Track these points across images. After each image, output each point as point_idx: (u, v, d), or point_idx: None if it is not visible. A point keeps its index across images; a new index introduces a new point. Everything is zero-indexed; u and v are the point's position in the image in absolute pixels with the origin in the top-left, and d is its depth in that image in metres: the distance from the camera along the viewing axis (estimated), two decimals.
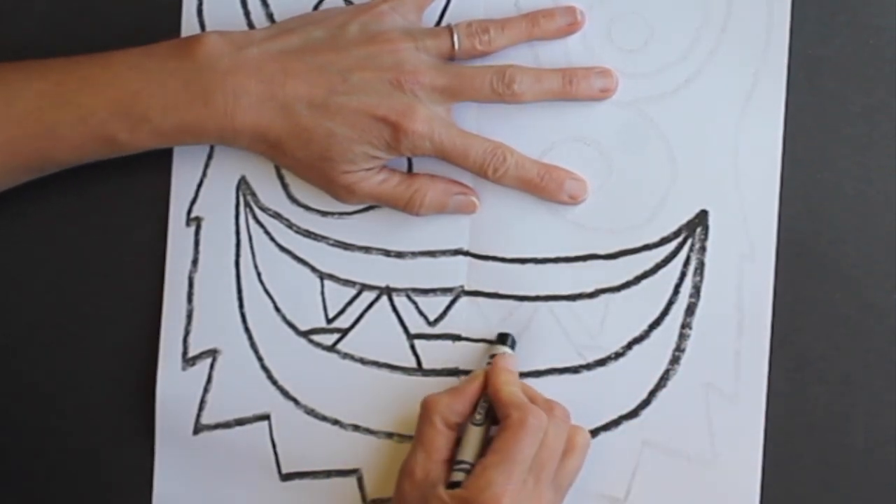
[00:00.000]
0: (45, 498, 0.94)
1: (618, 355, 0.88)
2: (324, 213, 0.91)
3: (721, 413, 0.87)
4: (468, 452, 0.85)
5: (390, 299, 0.90)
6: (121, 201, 0.92)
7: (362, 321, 0.90)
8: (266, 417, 0.91)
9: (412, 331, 0.90)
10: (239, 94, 0.85)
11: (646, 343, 0.88)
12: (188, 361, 0.92)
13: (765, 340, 0.87)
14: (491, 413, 0.86)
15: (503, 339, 0.88)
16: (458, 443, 0.85)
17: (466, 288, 0.90)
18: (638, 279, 0.88)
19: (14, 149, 0.86)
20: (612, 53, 0.88)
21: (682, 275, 0.88)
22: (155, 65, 0.86)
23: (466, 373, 0.89)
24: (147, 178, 0.92)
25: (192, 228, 0.92)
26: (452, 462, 0.85)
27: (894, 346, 0.87)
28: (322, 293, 0.91)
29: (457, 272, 0.90)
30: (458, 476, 0.83)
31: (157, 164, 0.91)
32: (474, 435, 0.85)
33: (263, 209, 0.91)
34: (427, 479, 0.83)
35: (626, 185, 0.88)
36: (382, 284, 0.90)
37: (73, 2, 0.93)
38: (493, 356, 0.88)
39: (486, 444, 0.85)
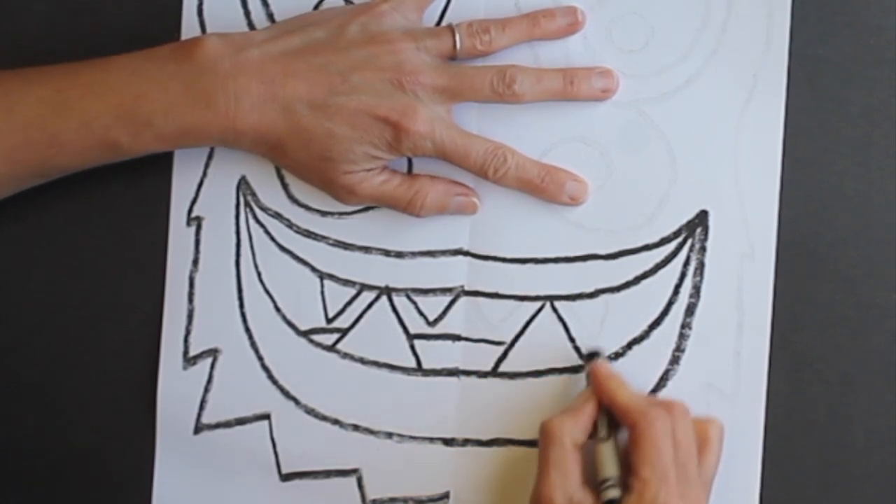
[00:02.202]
0: (45, 497, 0.94)
1: (618, 355, 0.88)
2: (324, 213, 0.91)
3: (721, 413, 0.87)
4: (610, 468, 0.83)
5: (390, 299, 0.90)
6: (121, 201, 0.93)
7: (362, 321, 0.91)
8: (266, 417, 0.91)
9: (412, 331, 0.90)
10: (240, 95, 0.85)
11: (646, 343, 0.88)
12: (189, 361, 0.92)
13: (765, 340, 0.87)
14: (612, 426, 0.85)
15: (593, 355, 0.87)
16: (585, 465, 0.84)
17: (466, 288, 0.90)
18: (638, 279, 0.88)
19: (17, 157, 0.86)
20: (612, 54, 0.88)
21: (682, 275, 0.88)
22: (156, 68, 0.86)
23: (466, 373, 0.90)
24: (148, 179, 0.92)
25: (193, 228, 0.92)
26: (595, 483, 0.83)
27: (894, 346, 0.88)
28: (322, 293, 0.91)
29: (457, 272, 0.90)
30: (613, 493, 0.82)
31: (158, 164, 0.91)
32: (608, 450, 0.84)
33: (263, 209, 0.91)
34: (574, 503, 0.82)
35: (626, 186, 0.88)
36: (382, 284, 0.90)
37: (73, 2, 0.93)
38: (588, 374, 0.87)
39: (619, 458, 0.84)
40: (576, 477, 0.83)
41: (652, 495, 0.81)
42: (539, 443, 0.85)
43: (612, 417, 0.85)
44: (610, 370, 0.86)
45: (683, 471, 0.82)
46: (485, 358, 0.89)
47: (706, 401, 0.87)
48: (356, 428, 0.91)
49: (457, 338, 0.90)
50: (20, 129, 0.86)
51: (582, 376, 0.88)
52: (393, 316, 0.90)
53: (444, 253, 0.90)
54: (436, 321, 0.90)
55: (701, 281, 0.88)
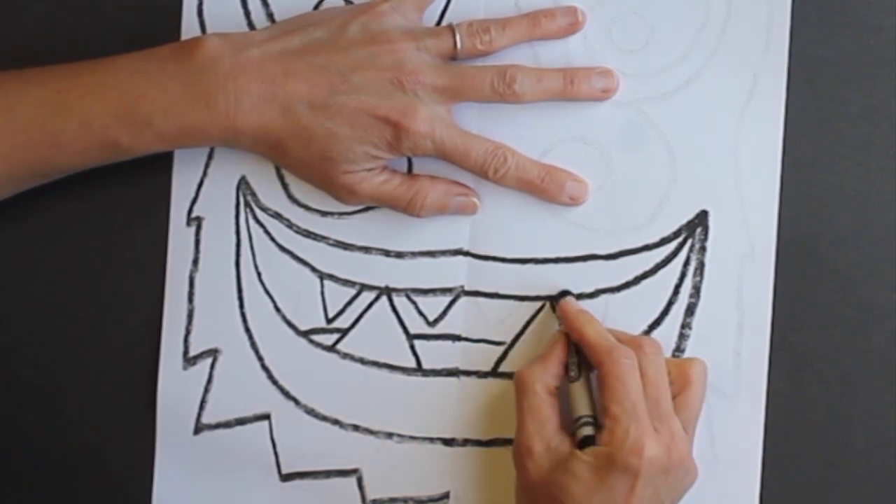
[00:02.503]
0: (45, 497, 0.94)
1: None
2: (324, 213, 0.91)
3: (721, 413, 0.87)
4: (584, 407, 0.84)
5: (390, 299, 0.90)
6: (121, 201, 0.93)
7: (362, 321, 0.91)
8: (266, 417, 0.91)
9: (412, 331, 0.90)
10: (240, 95, 0.85)
11: None
12: (189, 361, 0.92)
13: (765, 340, 0.87)
14: (584, 365, 0.85)
15: (563, 294, 0.88)
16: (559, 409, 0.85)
17: (466, 288, 0.90)
18: (638, 279, 0.88)
19: (17, 158, 0.86)
20: (612, 54, 0.88)
21: (682, 275, 0.88)
22: (156, 68, 0.86)
23: (466, 373, 0.90)
24: (148, 179, 0.92)
25: (193, 228, 0.92)
26: (569, 423, 0.84)
27: (894, 346, 0.88)
28: (322, 293, 0.91)
29: (457, 272, 0.90)
30: (588, 430, 0.83)
31: (158, 164, 0.91)
32: (580, 389, 0.85)
33: (263, 209, 0.91)
34: (553, 450, 0.83)
35: (626, 186, 0.88)
36: (382, 284, 0.90)
37: (73, 2, 0.93)
38: (558, 316, 0.87)
39: (592, 396, 0.84)
40: (552, 423, 0.84)
41: (623, 430, 0.81)
42: (515, 394, 0.85)
43: (583, 357, 0.85)
44: (578, 307, 0.87)
45: (655, 406, 0.82)
46: (485, 358, 0.89)
47: (706, 401, 0.87)
48: (356, 428, 0.91)
49: (457, 338, 0.90)
50: (20, 129, 0.86)
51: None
52: (393, 316, 0.90)
53: (444, 253, 0.90)
54: (436, 321, 0.90)
55: (701, 281, 0.88)
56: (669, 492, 0.82)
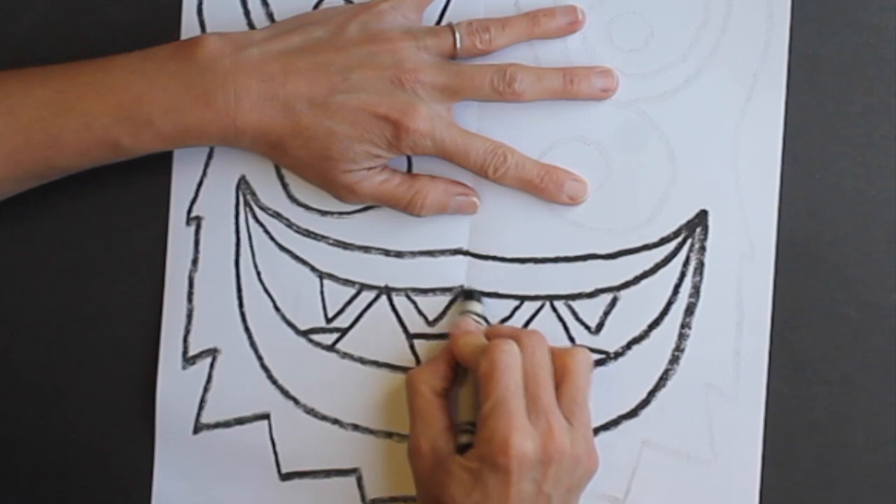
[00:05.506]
0: (45, 497, 0.94)
1: (617, 355, 0.88)
2: (323, 213, 0.91)
3: (721, 413, 0.87)
4: (465, 413, 0.85)
5: (389, 299, 0.90)
6: (121, 201, 0.93)
7: (362, 321, 0.90)
8: (266, 417, 0.91)
9: (411, 330, 0.90)
10: (240, 94, 0.85)
11: (645, 343, 0.88)
12: (188, 361, 0.92)
13: (764, 340, 0.87)
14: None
15: (469, 295, 0.88)
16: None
17: (466, 288, 0.90)
18: (637, 279, 0.88)
19: (18, 158, 0.86)
20: (611, 53, 0.88)
21: (682, 275, 0.88)
22: (155, 68, 0.86)
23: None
24: (147, 178, 0.92)
25: (193, 228, 0.92)
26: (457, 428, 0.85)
27: (894, 346, 0.87)
28: (321, 293, 0.91)
29: (456, 272, 0.90)
30: (465, 438, 0.84)
31: (158, 163, 0.91)
32: (464, 395, 0.85)
33: (263, 209, 0.91)
34: (436, 450, 0.84)
35: (626, 185, 0.88)
36: (382, 284, 0.90)
37: (73, 2, 0.93)
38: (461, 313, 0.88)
39: (475, 402, 0.84)
40: (440, 424, 0.84)
41: (489, 429, 0.81)
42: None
43: None
44: (466, 327, 0.87)
45: (533, 399, 0.82)
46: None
47: (706, 401, 0.87)
48: (356, 427, 0.91)
49: None
50: (21, 130, 0.86)
51: None
52: (392, 316, 0.90)
53: (443, 253, 0.90)
54: (435, 321, 0.90)
55: (701, 281, 0.88)
56: (556, 485, 0.82)
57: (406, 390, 0.86)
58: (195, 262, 0.92)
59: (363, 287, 0.91)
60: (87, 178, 0.90)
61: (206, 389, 0.92)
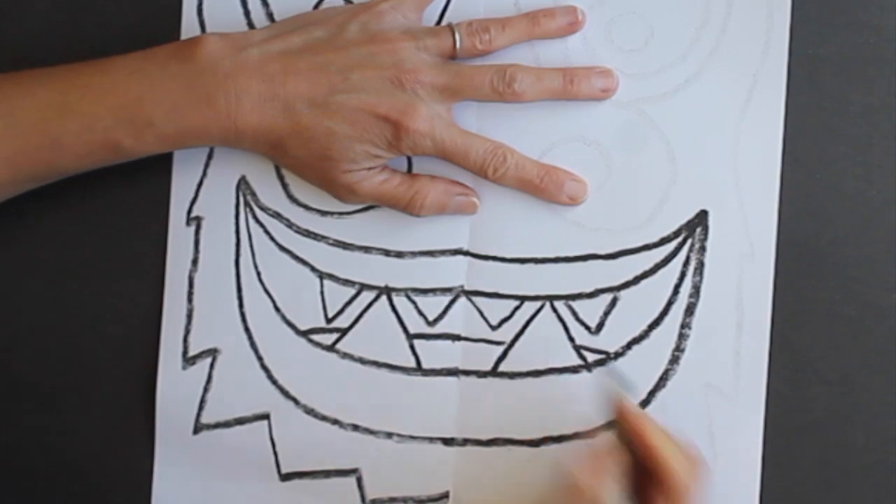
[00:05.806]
0: (45, 497, 0.94)
1: (617, 355, 0.88)
2: (323, 213, 0.91)
3: (721, 413, 0.87)
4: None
5: (389, 299, 0.90)
6: (121, 201, 0.93)
7: (362, 321, 0.90)
8: (266, 417, 0.91)
9: (411, 330, 0.90)
10: (241, 95, 0.85)
11: (645, 343, 0.88)
12: (188, 361, 0.92)
13: (764, 340, 0.87)
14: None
15: (609, 371, 0.86)
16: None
17: (466, 288, 0.90)
18: (637, 279, 0.88)
19: (19, 161, 0.86)
20: (611, 53, 0.88)
21: (682, 275, 0.88)
22: (156, 69, 0.86)
23: (466, 373, 0.89)
24: (147, 178, 0.92)
25: (193, 228, 0.92)
26: None
27: (894, 346, 0.88)
28: (321, 293, 0.91)
29: (456, 272, 0.90)
30: None
31: (158, 164, 0.91)
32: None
33: (263, 209, 0.91)
34: None
35: (626, 185, 0.88)
36: (382, 284, 0.90)
37: (73, 2, 0.93)
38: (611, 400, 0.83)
39: None
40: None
41: None
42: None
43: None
44: (637, 409, 0.82)
45: None
46: (484, 358, 0.89)
47: (706, 401, 0.87)
48: (356, 428, 0.91)
49: (456, 338, 0.90)
50: (22, 133, 0.86)
51: (580, 378, 0.88)
52: (393, 316, 0.90)
53: (443, 253, 0.90)
54: (435, 321, 0.90)
55: (701, 281, 0.88)
56: None
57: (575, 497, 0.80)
58: (195, 262, 0.92)
59: (363, 287, 0.91)
60: (88, 178, 0.90)
61: (206, 389, 0.92)
